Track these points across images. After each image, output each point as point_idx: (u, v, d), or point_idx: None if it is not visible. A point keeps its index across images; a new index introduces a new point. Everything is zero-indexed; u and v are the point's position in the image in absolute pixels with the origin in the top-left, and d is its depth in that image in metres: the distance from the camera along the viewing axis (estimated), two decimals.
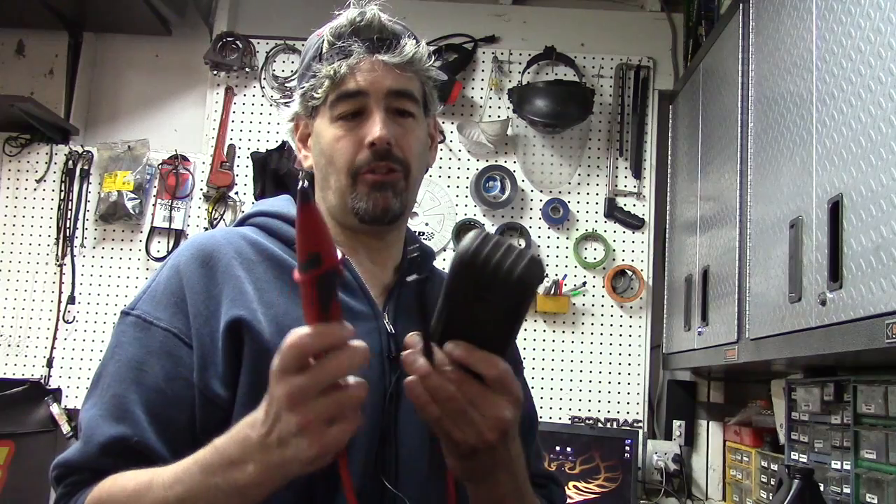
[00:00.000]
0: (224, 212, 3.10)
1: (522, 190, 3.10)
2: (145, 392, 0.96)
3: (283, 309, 1.00)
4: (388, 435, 1.00)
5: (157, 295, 1.02)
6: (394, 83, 1.05)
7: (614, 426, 2.94)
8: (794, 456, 2.07)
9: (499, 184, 3.08)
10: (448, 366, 0.78)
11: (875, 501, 1.67)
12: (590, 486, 2.75)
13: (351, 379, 0.76)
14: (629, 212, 3.08)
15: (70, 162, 3.11)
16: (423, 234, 3.02)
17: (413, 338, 0.81)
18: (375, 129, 1.03)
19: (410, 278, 1.09)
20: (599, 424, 2.94)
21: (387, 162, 1.04)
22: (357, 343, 0.76)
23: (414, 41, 1.08)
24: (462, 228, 3.05)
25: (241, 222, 1.13)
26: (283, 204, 1.13)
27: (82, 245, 3.09)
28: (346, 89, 1.05)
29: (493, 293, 0.76)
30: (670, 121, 3.06)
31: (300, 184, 0.68)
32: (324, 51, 1.07)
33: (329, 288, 0.73)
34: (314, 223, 0.72)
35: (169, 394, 0.96)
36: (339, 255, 0.74)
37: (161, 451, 0.93)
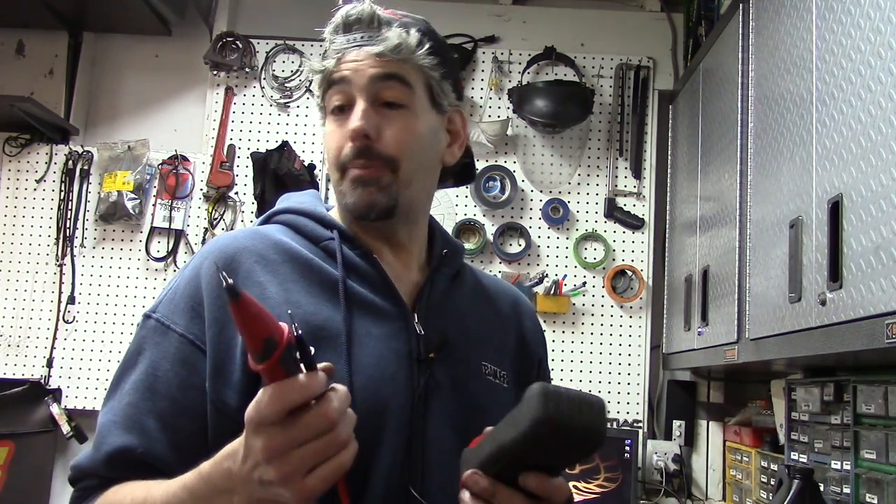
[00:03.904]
0: (224, 212, 3.10)
1: (522, 190, 3.10)
2: (159, 401, 0.95)
3: (310, 309, 0.98)
4: (415, 440, 0.97)
5: (176, 298, 1.00)
6: (377, 70, 1.02)
7: (614, 426, 2.94)
8: (794, 456, 2.07)
9: (499, 184, 3.08)
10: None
11: (875, 501, 1.67)
12: (590, 486, 2.75)
13: (335, 403, 0.76)
14: (629, 212, 3.08)
15: (70, 162, 3.11)
16: None
17: (473, 477, 0.83)
18: (352, 120, 1.01)
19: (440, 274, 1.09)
20: None
21: (364, 160, 1.01)
22: (339, 389, 0.77)
23: (403, 30, 1.03)
24: (462, 228, 3.05)
25: (267, 219, 1.11)
26: (310, 200, 1.12)
27: (82, 245, 3.09)
28: (331, 79, 1.04)
29: (564, 446, 0.79)
30: (670, 121, 3.06)
31: (225, 281, 0.68)
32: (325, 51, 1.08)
33: (292, 359, 0.74)
34: (252, 313, 0.71)
35: (182, 402, 0.95)
36: (284, 326, 0.74)
37: (170, 460, 0.92)
